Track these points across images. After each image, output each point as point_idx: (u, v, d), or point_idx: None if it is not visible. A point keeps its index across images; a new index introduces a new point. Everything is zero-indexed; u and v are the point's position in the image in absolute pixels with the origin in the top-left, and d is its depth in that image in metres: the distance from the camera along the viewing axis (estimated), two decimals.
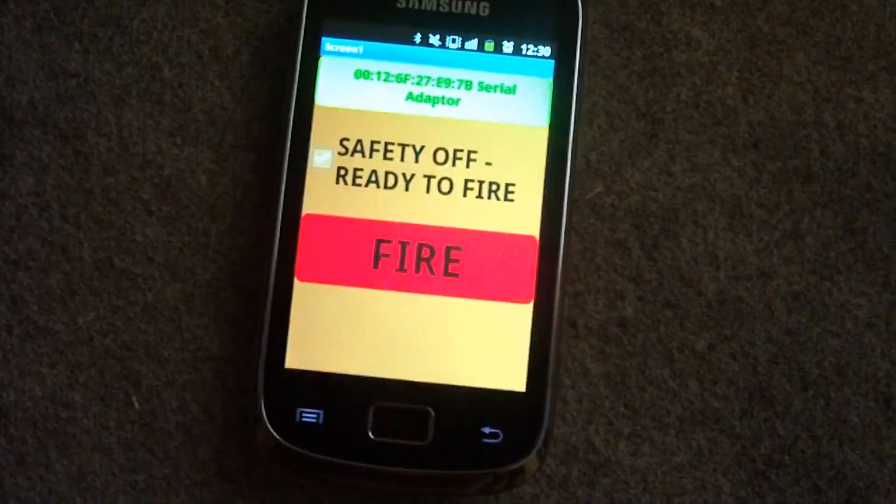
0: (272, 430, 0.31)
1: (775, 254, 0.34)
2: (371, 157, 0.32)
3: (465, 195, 0.32)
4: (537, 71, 0.33)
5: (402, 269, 0.32)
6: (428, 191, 0.32)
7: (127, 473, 0.33)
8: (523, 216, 0.32)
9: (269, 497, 0.33)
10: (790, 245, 0.34)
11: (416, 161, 0.32)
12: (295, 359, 0.31)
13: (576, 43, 0.33)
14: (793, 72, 0.34)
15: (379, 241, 0.32)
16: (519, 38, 0.33)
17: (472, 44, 0.33)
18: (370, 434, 0.31)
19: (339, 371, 0.31)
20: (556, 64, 0.33)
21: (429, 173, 0.32)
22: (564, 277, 0.32)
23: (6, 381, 0.33)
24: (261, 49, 0.34)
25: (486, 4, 0.33)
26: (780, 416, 0.33)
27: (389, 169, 0.32)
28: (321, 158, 0.32)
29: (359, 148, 0.32)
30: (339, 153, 0.32)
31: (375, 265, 0.32)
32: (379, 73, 0.32)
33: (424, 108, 0.32)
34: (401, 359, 0.31)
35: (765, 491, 0.33)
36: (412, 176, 0.32)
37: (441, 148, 0.32)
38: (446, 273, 0.32)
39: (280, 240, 0.32)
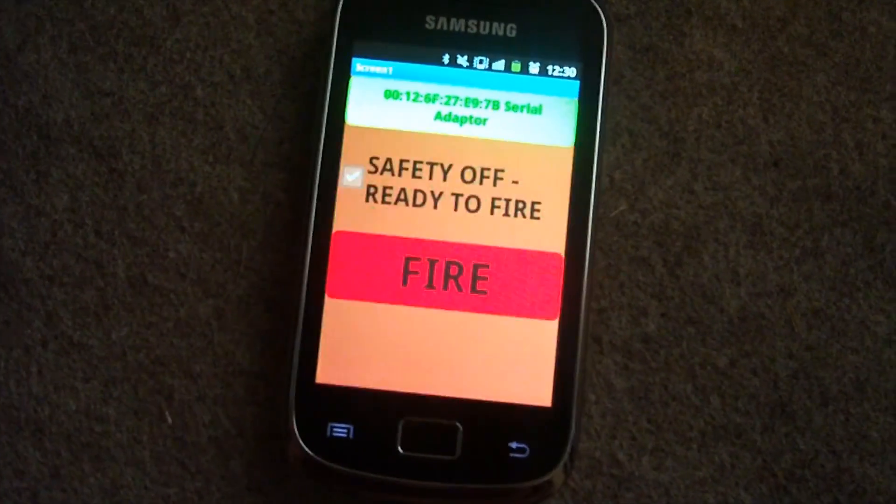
0: (303, 444, 0.31)
1: (795, 271, 0.34)
2: (400, 175, 0.33)
3: (492, 213, 0.33)
4: (563, 91, 0.33)
5: (430, 285, 0.32)
6: (456, 209, 0.33)
7: (159, 487, 0.33)
8: (549, 234, 0.33)
9: None
10: (810, 262, 0.34)
11: (445, 179, 0.33)
12: (326, 374, 0.32)
13: (601, 64, 0.33)
14: (812, 92, 0.35)
15: (408, 259, 0.32)
16: (545, 59, 0.33)
17: (500, 64, 0.33)
18: (399, 448, 0.31)
19: (370, 386, 0.32)
20: (581, 84, 0.33)
21: (457, 191, 0.33)
22: (589, 294, 0.33)
23: (41, 395, 0.34)
24: (291, 69, 0.35)
25: (514, 26, 0.33)
26: (801, 431, 0.34)
27: (418, 187, 0.33)
28: (351, 177, 0.33)
29: (388, 166, 0.33)
30: (369, 171, 0.33)
31: (405, 282, 0.32)
32: (408, 93, 0.33)
33: (452, 128, 0.33)
34: (430, 374, 0.32)
35: None
36: (440, 194, 0.33)
37: (469, 167, 0.33)
38: (474, 290, 0.32)
39: (311, 257, 0.32)
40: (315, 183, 0.33)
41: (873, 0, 0.35)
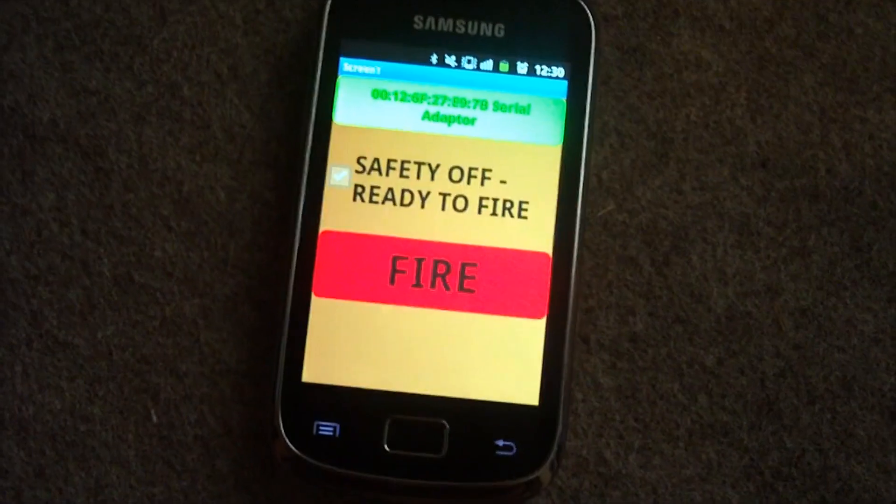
0: (289, 443, 0.31)
1: (783, 270, 0.35)
2: (388, 174, 0.33)
3: (479, 212, 0.33)
4: (551, 91, 0.33)
5: (417, 284, 0.32)
6: (443, 208, 0.33)
7: (145, 486, 0.33)
8: (537, 233, 0.33)
9: None
10: (797, 262, 0.35)
11: (432, 179, 0.33)
12: (312, 373, 0.32)
13: (589, 64, 0.33)
14: (800, 93, 0.35)
15: (395, 258, 0.32)
16: (533, 58, 0.33)
17: (488, 64, 0.33)
18: (386, 447, 0.31)
19: (356, 385, 0.32)
20: (569, 84, 0.33)
21: (444, 191, 0.33)
22: (577, 293, 0.33)
23: (26, 395, 0.33)
24: (279, 68, 0.35)
25: (502, 26, 0.33)
26: (788, 429, 0.34)
27: (406, 187, 0.33)
28: (339, 176, 0.33)
29: (376, 166, 0.33)
30: (357, 171, 0.33)
31: (392, 281, 0.32)
32: (396, 93, 0.33)
33: (440, 128, 0.33)
34: (416, 373, 0.32)
35: (773, 503, 0.34)
36: (428, 193, 0.33)
37: (456, 166, 0.33)
38: (461, 289, 0.32)
39: (298, 256, 0.32)
40: (302, 182, 0.33)
41: (860, 2, 0.36)
